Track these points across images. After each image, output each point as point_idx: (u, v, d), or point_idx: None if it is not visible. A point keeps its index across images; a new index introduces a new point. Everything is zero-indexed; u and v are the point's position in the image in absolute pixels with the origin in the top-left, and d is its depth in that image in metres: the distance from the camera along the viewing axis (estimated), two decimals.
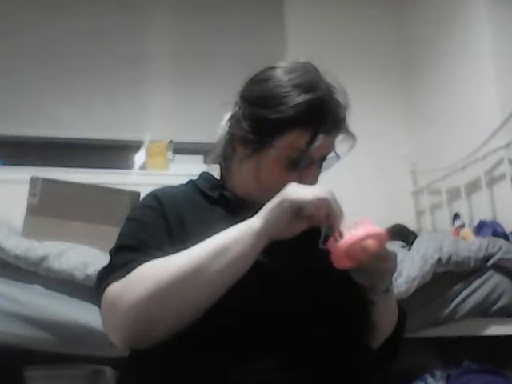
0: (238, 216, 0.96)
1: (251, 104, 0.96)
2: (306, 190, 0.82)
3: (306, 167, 0.94)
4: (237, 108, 0.98)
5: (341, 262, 0.82)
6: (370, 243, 0.80)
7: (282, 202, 0.82)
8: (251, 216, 0.89)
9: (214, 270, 0.78)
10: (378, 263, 0.83)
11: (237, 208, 0.99)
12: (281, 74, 0.95)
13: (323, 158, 0.98)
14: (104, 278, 0.83)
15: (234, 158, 1.02)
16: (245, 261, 0.80)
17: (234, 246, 0.80)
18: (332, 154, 0.99)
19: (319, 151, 0.94)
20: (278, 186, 0.95)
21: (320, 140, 0.91)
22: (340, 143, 0.99)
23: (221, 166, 1.08)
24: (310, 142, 0.91)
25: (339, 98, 0.95)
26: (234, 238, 0.81)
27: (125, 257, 0.85)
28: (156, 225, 0.91)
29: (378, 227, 0.82)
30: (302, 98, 0.91)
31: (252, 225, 0.82)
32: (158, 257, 0.83)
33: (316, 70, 0.97)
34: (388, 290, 0.92)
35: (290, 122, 0.91)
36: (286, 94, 0.92)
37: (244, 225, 0.83)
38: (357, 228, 0.81)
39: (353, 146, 0.99)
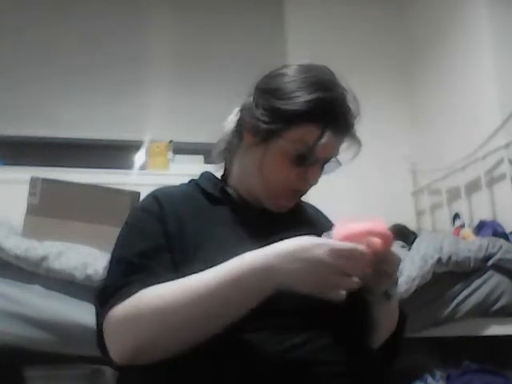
0: (241, 215, 0.97)
1: (266, 94, 0.96)
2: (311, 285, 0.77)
3: (310, 164, 0.95)
4: (250, 99, 0.99)
5: None
6: (376, 241, 0.80)
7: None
8: (254, 215, 0.89)
9: (211, 310, 0.79)
10: (380, 263, 0.83)
11: (239, 207, 0.99)
12: (297, 71, 0.97)
13: (325, 161, 0.98)
14: (104, 301, 0.84)
15: (240, 148, 1.02)
16: (246, 306, 0.79)
17: (236, 299, 0.78)
18: (334, 160, 0.99)
19: (325, 150, 0.95)
20: (279, 180, 0.95)
21: (328, 137, 0.92)
22: (344, 151, 0.99)
23: (225, 161, 1.08)
24: (319, 139, 0.92)
25: (351, 105, 0.97)
26: (239, 292, 0.78)
27: (124, 275, 0.86)
28: (153, 232, 0.91)
29: (385, 227, 0.81)
30: (316, 95, 0.92)
31: (261, 280, 0.78)
32: (154, 272, 0.84)
33: (332, 74, 0.98)
34: (389, 295, 0.91)
35: (301, 116, 0.92)
36: (301, 88, 0.93)
37: (252, 278, 0.78)
38: (365, 222, 0.80)
39: (357, 153, 0.99)
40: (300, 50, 3.07)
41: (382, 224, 0.81)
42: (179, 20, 3.20)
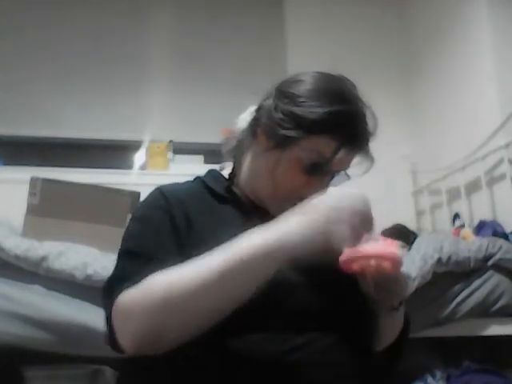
0: (247, 215, 0.97)
1: (286, 99, 0.95)
2: (344, 231, 0.77)
3: (322, 175, 0.95)
4: (270, 100, 0.97)
5: (346, 268, 0.81)
6: (386, 264, 0.79)
7: (323, 243, 0.77)
8: (260, 216, 0.89)
9: (224, 292, 0.77)
10: (388, 284, 0.83)
11: (245, 207, 0.99)
12: (320, 80, 0.96)
13: (335, 173, 0.98)
14: (114, 286, 0.82)
15: (251, 149, 1.01)
16: (257, 285, 0.78)
17: (249, 271, 0.76)
18: (343, 173, 0.99)
19: (339, 164, 0.95)
20: (288, 186, 0.95)
21: (343, 152, 0.92)
22: (354, 165, 0.98)
23: (234, 159, 1.07)
24: (335, 152, 0.91)
25: (369, 121, 0.96)
26: (250, 263, 0.76)
27: (133, 265, 0.84)
28: (162, 227, 0.90)
29: (395, 249, 0.80)
30: (337, 107, 0.91)
31: (271, 250, 0.77)
32: (165, 265, 0.82)
33: (354, 86, 0.98)
34: (395, 309, 0.91)
35: (320, 127, 0.91)
36: (323, 98, 0.92)
37: (262, 247, 0.77)
38: (375, 243, 0.79)
39: (369, 169, 0.98)
40: (300, 50, 3.07)
41: (393, 247, 0.80)
42: (179, 20, 3.20)
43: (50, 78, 2.93)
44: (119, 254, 0.90)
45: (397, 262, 0.80)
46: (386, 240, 0.81)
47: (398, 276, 0.83)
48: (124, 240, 0.92)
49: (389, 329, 0.96)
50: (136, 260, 0.86)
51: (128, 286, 0.80)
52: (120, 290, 0.80)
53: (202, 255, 0.80)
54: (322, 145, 0.92)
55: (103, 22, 3.06)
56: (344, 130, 0.92)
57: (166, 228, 0.90)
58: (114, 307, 0.81)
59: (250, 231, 0.80)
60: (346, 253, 0.79)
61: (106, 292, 0.84)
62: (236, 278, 0.77)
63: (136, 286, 0.79)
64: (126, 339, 0.79)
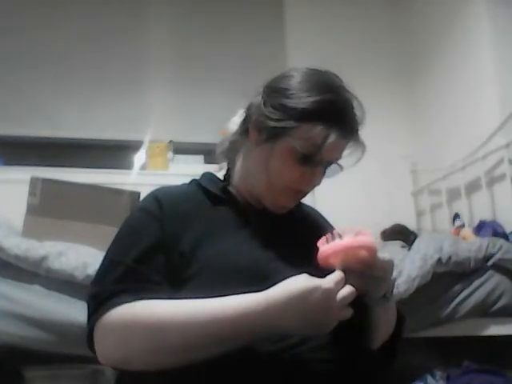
0: (243, 215, 0.97)
1: (275, 93, 0.97)
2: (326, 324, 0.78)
3: (314, 165, 0.95)
4: (258, 98, 0.99)
5: (324, 263, 0.83)
6: (362, 253, 0.82)
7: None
8: (256, 216, 0.89)
9: (202, 348, 0.79)
10: (372, 270, 0.83)
11: (241, 208, 0.99)
12: (307, 74, 0.98)
13: (328, 164, 0.98)
14: (97, 305, 0.85)
15: (244, 147, 1.03)
16: (237, 345, 0.79)
17: (229, 338, 0.78)
18: (336, 164, 0.99)
19: (330, 153, 0.95)
20: (282, 179, 0.96)
21: (334, 138, 0.92)
22: (346, 156, 0.99)
23: (228, 160, 1.08)
24: (325, 138, 0.92)
25: (357, 111, 0.97)
26: (232, 333, 0.78)
27: (116, 283, 0.86)
28: (150, 233, 0.91)
29: (368, 239, 0.82)
30: (325, 96, 0.93)
31: (255, 326, 0.78)
32: (149, 279, 0.86)
33: (341, 80, 1.00)
34: (386, 298, 0.91)
35: (309, 115, 0.92)
36: (311, 89, 0.94)
37: (246, 324, 0.78)
38: (348, 236, 0.82)
39: (361, 158, 0.99)
40: (300, 50, 3.07)
41: (366, 236, 0.82)
42: (179, 20, 3.20)
43: (50, 79, 2.93)
44: (105, 261, 0.92)
45: (371, 249, 0.82)
46: (356, 231, 0.83)
47: (378, 262, 0.84)
48: (111, 246, 0.94)
49: (382, 323, 0.97)
50: (121, 274, 0.87)
51: (112, 307, 0.83)
52: (104, 311, 0.83)
53: (196, 299, 0.81)
54: (313, 133, 0.92)
55: (103, 22, 3.06)
56: (333, 116, 0.93)
57: (153, 236, 0.91)
58: (96, 327, 0.84)
59: (239, 297, 0.80)
60: (321, 250, 0.82)
61: (91, 304, 0.86)
62: (217, 333, 0.78)
63: (120, 311, 0.82)
64: (102, 358, 0.84)
